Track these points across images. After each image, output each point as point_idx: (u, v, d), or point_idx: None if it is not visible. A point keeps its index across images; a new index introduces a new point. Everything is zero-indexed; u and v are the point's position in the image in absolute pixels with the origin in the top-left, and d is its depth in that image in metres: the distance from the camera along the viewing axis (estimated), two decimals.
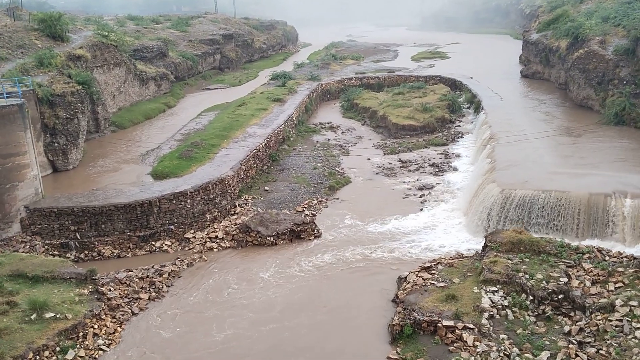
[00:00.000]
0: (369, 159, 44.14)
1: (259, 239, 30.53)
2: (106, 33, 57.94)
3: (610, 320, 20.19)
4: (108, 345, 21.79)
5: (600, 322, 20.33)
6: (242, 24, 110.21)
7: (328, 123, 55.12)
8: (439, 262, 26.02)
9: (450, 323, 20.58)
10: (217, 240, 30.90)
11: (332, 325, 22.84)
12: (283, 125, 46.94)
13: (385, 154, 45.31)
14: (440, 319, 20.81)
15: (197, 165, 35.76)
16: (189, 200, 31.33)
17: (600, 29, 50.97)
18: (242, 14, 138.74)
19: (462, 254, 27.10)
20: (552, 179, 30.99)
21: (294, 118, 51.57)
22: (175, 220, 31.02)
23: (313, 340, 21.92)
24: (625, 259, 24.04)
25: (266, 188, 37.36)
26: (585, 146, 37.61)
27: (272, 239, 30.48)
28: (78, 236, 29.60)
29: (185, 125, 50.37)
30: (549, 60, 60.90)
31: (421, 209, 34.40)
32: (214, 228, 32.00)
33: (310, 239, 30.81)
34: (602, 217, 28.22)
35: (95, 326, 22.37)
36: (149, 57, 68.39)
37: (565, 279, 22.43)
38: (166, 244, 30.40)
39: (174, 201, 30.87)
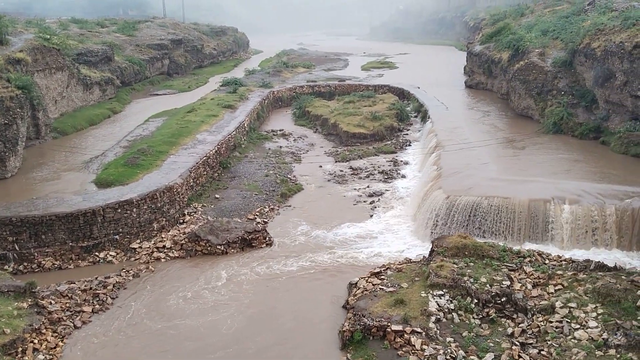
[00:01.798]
0: (320, 166, 44.35)
1: (209, 248, 30.10)
2: (48, 36, 56.03)
3: (551, 322, 20.84)
4: None
5: (542, 323, 20.95)
6: (191, 29, 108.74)
7: (280, 130, 55.08)
8: (388, 268, 26.28)
9: (399, 327, 20.80)
10: (165, 250, 30.25)
11: (282, 333, 22.71)
12: (234, 132, 46.60)
13: (336, 162, 45.61)
14: (389, 324, 21.01)
15: (143, 173, 34.97)
16: (135, 209, 30.59)
17: (539, 41, 52.64)
18: (191, 19, 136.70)
19: (410, 259, 27.43)
20: (495, 186, 31.74)
21: (246, 125, 51.30)
22: (121, 229, 30.22)
23: (262, 348, 21.74)
24: (564, 262, 24.93)
25: (217, 196, 36.97)
26: (526, 154, 38.79)
27: (222, 248, 30.11)
28: (17, 247, 28.34)
29: (132, 131, 49.19)
30: (491, 71, 62.52)
31: (371, 215, 34.73)
32: (162, 237, 31.33)
33: (262, 247, 30.61)
34: (542, 222, 29.09)
35: (35, 341, 21.54)
36: (93, 62, 66.58)
37: (508, 282, 23.03)
38: (111, 255, 29.55)
39: (119, 210, 30.07)
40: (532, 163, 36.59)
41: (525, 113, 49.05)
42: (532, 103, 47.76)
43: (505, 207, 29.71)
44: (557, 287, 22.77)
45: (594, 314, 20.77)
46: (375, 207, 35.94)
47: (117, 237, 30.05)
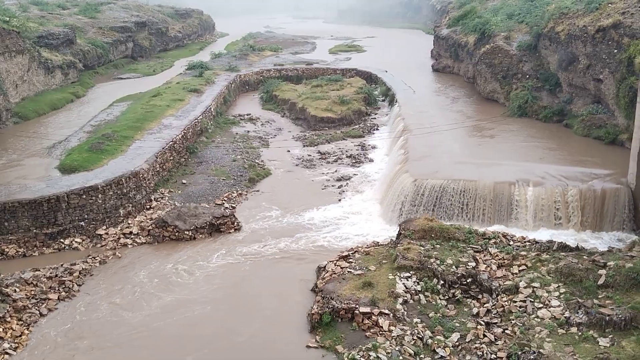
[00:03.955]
0: (288, 151, 44.30)
1: (176, 234, 29.93)
2: (7, 18, 54.35)
3: (515, 302, 21.35)
4: (15, 349, 20.77)
5: (506, 303, 21.45)
6: (155, 12, 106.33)
7: (247, 115, 54.74)
8: (356, 251, 26.50)
9: (367, 309, 21.08)
10: (132, 236, 29.95)
11: (252, 316, 22.78)
12: (201, 117, 46.12)
13: (304, 146, 45.60)
14: (357, 306, 21.27)
15: (108, 159, 34.34)
16: (100, 195, 30.10)
17: (505, 25, 52.92)
18: (155, 1, 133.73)
19: (378, 242, 27.65)
20: (461, 169, 32.16)
21: (212, 109, 50.82)
22: (86, 216, 29.73)
23: (232, 331, 21.80)
24: (527, 243, 25.43)
25: (184, 181, 36.67)
26: (492, 138, 39.25)
27: (190, 233, 29.97)
28: None
29: (96, 116, 48.09)
30: (458, 55, 62.76)
31: (339, 200, 34.93)
32: (128, 223, 30.98)
33: (230, 232, 30.62)
34: (506, 205, 29.57)
35: (0, 329, 21.22)
36: (55, 45, 64.61)
37: (474, 264, 23.49)
38: (76, 242, 29.11)
39: (84, 196, 29.55)
40: (498, 147, 37.10)
41: (491, 97, 49.57)
42: (498, 87, 48.31)
43: (471, 189, 30.13)
44: (521, 268, 23.25)
45: (557, 294, 21.29)
46: (344, 192, 36.16)
47: (82, 223, 29.57)
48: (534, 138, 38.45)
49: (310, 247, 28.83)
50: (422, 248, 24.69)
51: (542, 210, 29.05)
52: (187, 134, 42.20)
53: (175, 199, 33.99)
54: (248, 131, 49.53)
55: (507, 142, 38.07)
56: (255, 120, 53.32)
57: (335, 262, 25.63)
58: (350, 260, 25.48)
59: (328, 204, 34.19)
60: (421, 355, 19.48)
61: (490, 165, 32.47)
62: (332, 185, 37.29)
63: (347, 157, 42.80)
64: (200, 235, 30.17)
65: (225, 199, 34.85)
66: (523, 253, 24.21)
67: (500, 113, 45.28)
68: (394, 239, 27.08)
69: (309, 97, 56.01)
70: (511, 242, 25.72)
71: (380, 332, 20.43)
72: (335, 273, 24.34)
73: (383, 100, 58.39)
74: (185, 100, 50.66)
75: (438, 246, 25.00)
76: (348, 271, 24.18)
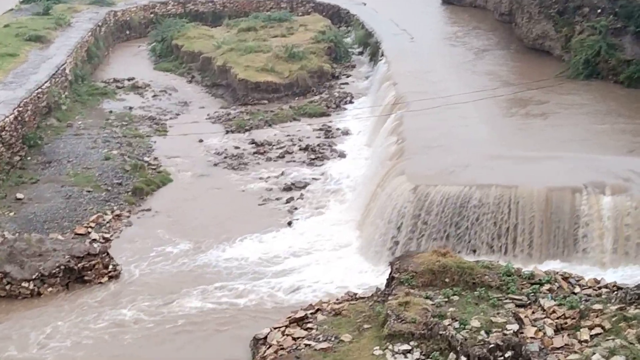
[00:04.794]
0: (201, 141, 44.46)
1: (8, 287, 29.47)
2: None
3: None
4: None
5: None
6: None
7: (130, 80, 54.67)
8: (318, 309, 26.30)
9: None
10: None
11: None
12: (48, 84, 45.93)
13: (228, 132, 45.80)
14: None
15: None
16: None
17: None
18: None
19: (356, 294, 27.45)
20: (492, 167, 32.22)
21: (68, 71, 50.56)
22: None
23: None
24: (604, 290, 25.33)
25: (19, 195, 36.37)
26: (541, 114, 39.41)
27: (32, 286, 29.57)
28: None
29: None
30: None
31: (289, 222, 35.06)
32: None
33: (101, 282, 30.43)
34: (568, 226, 29.63)
35: None
36: None
37: (516, 326, 23.11)
38: None
39: None
40: (551, 129, 37.27)
41: (540, 45, 49.85)
42: (551, 29, 48.78)
43: (509, 202, 30.08)
44: (594, 331, 23.01)
45: None
46: (296, 209, 36.23)
47: None
48: (612, 114, 38.68)
49: (241, 305, 28.66)
50: (430, 302, 24.49)
51: (629, 234, 29.14)
52: (24, 115, 41.78)
53: (3, 227, 33.37)
54: (131, 107, 49.47)
55: (568, 122, 38.24)
56: (144, 88, 53.35)
57: (283, 329, 25.34)
58: (309, 324, 25.22)
59: (270, 231, 34.20)
60: None
61: (540, 161, 32.61)
62: (277, 199, 37.31)
63: (300, 149, 42.94)
64: (50, 289, 29.79)
65: (93, 224, 34.60)
66: (597, 307, 24.01)
67: (556, 73, 45.58)
68: (383, 287, 26.93)
69: (234, 48, 56.03)
70: (577, 289, 25.70)
71: None
72: (283, 348, 23.99)
73: (360, 54, 58.55)
74: (21, 56, 50.44)
75: (456, 298, 24.84)
76: (305, 344, 23.84)
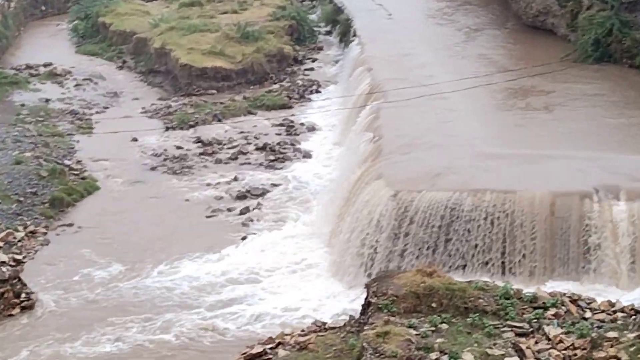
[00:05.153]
0: (135, 140, 44.73)
1: None
2: None
3: None
4: None
5: None
6: None
7: (46, 66, 54.78)
8: (279, 343, 26.32)
9: None
10: None
11: None
12: None
13: (168, 128, 46.20)
14: None
15: None
16: None
17: None
18: None
19: (325, 323, 27.43)
20: (486, 169, 32.60)
21: None
22: None
23: None
24: (620, 315, 25.55)
25: None
26: (542, 106, 39.89)
27: None
28: None
29: None
30: None
31: (244, 238, 35.12)
32: None
33: (11, 314, 30.11)
34: (576, 239, 29.95)
35: None
36: None
37: (516, 359, 23.37)
38: None
39: None
40: (556, 123, 37.67)
41: (542, 23, 50.56)
42: (554, 3, 49.42)
43: (507, 210, 30.44)
44: None
45: None
46: (252, 221, 36.39)
47: None
48: (628, 105, 39.00)
49: (185, 340, 28.60)
50: (414, 332, 24.38)
51: None
52: None
53: None
54: (48, 100, 49.47)
55: (575, 115, 38.65)
56: (64, 76, 53.36)
57: None
58: None
59: (220, 248, 34.24)
60: None
61: (543, 161, 33.00)
62: (229, 209, 37.51)
63: (257, 149, 43.26)
64: None
65: (1, 244, 34.11)
66: (612, 335, 24.13)
67: (561, 56, 45.91)
68: (357, 314, 27.12)
69: (175, 27, 56.25)
70: (588, 314, 25.82)
71: None
72: None
73: (328, 33, 59.40)
74: None
75: (445, 326, 24.93)
76: None
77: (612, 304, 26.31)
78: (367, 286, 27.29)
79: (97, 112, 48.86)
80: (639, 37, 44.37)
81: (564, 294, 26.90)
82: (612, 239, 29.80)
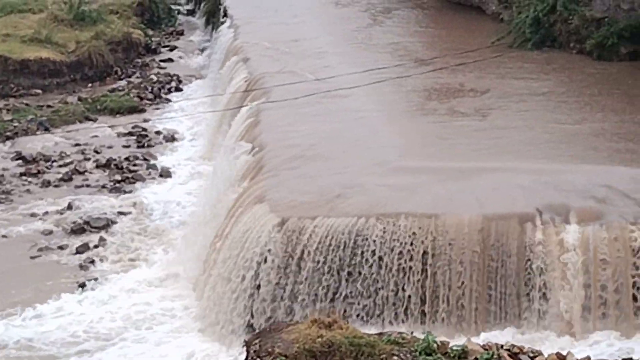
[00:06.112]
0: None
1: None
2: None
3: None
4: None
5: None
6: None
7: None
8: None
9: None
10: None
11: None
12: None
13: None
14: None
15: None
16: None
17: None
18: None
19: None
20: (400, 187, 29.88)
21: None
22: None
23: None
24: None
25: None
26: (470, 103, 38.29)
27: None
28: None
29: None
30: None
31: (82, 285, 31.94)
32: None
33: None
34: (515, 273, 27.95)
35: None
36: None
37: None
38: None
39: None
40: (486, 125, 36.04)
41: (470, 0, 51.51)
42: None
43: (427, 238, 28.19)
44: None
45: None
46: (94, 262, 33.45)
47: None
48: (572, 102, 37.84)
49: None
50: None
51: (605, 282, 27.61)
52: None
53: None
54: None
55: (508, 112, 36.98)
56: None
57: None
58: None
59: (51, 300, 30.75)
60: None
61: (473, 176, 30.32)
62: (61, 247, 34.47)
63: (98, 167, 41.59)
64: None
65: None
66: None
67: (492, 40, 45.41)
68: None
69: None
70: None
71: None
72: None
73: (190, 13, 61.20)
74: None
75: None
76: None
77: (562, 357, 23.75)
78: (247, 344, 24.63)
79: None
80: (590, 15, 43.60)
81: (501, 346, 24.21)
82: (560, 273, 27.69)
